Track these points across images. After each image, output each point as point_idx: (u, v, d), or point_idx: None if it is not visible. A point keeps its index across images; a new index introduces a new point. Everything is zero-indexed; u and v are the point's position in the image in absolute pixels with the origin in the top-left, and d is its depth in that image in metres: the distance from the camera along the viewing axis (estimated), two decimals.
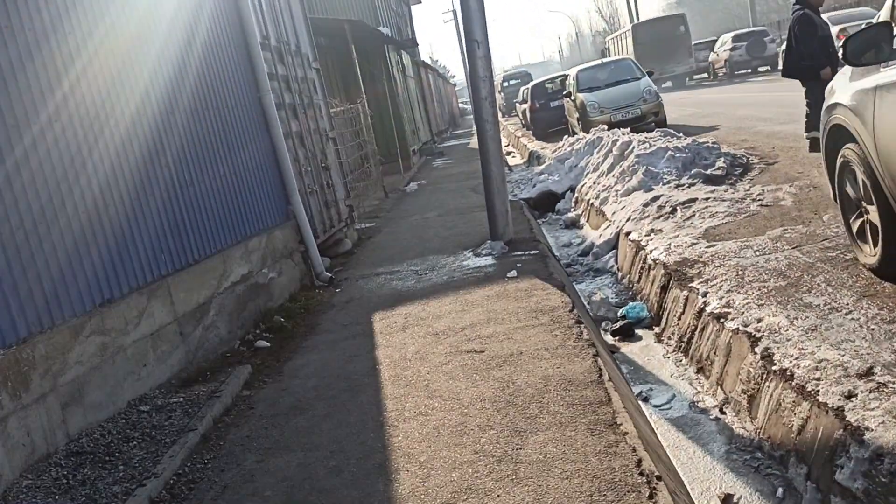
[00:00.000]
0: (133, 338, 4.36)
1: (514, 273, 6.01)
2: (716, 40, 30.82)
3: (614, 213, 7.53)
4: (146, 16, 5.12)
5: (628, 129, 10.95)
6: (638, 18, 56.70)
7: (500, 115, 44.95)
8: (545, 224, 9.64)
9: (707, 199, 6.59)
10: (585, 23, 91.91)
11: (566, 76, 19.46)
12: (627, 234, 6.63)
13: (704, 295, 4.43)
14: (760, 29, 28.57)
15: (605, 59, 14.95)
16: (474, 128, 32.02)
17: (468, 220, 9.28)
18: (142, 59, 4.94)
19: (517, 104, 28.27)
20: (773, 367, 3.33)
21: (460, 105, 62.99)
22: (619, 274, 6.54)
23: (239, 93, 6.43)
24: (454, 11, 38.62)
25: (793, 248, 4.78)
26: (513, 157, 20.13)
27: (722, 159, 7.70)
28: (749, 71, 27.66)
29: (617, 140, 9.22)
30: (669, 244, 5.73)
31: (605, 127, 11.20)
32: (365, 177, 12.75)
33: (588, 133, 13.10)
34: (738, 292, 4.23)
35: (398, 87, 18.99)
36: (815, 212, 5.53)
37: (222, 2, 6.45)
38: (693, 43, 31.38)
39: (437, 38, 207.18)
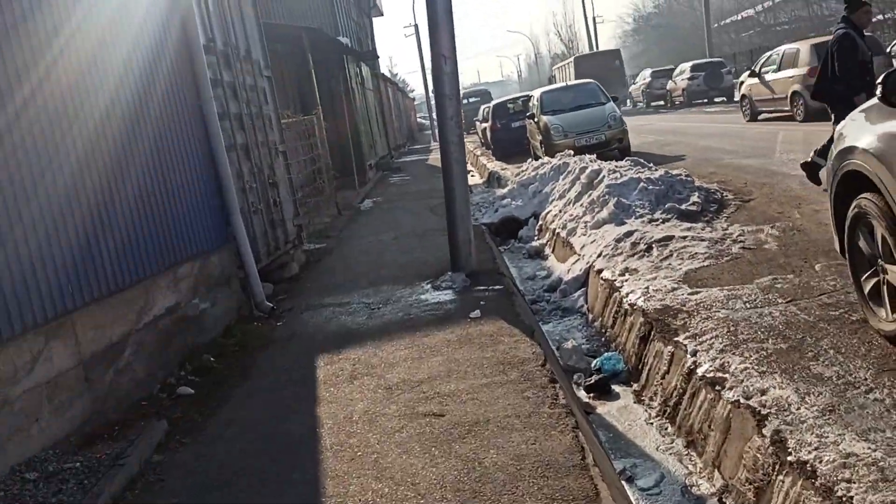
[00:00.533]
0: (24, 387, 3.62)
1: (477, 313, 5.43)
2: (673, 69, 31.10)
3: (583, 246, 7.04)
4: None
5: (594, 154, 10.55)
6: (597, 43, 57.47)
7: None
8: (507, 252, 9.12)
9: (685, 237, 6.14)
10: (544, 44, 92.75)
11: (529, 97, 19.15)
12: (599, 271, 6.13)
13: (694, 354, 3.92)
14: (718, 60, 28.91)
15: (569, 82, 14.62)
16: (432, 143, 31.60)
17: (427, 244, 8.69)
18: (46, 52, 4.22)
19: (477, 122, 27.91)
20: (789, 458, 2.81)
21: (419, 120, 62.57)
22: (590, 315, 6.03)
23: (176, 99, 5.73)
24: (416, 26, 38.22)
25: (787, 301, 4.32)
26: (472, 175, 19.65)
27: (696, 194, 7.31)
28: (705, 101, 27.91)
29: (586, 167, 8.78)
30: (647, 287, 5.24)
31: (571, 152, 10.77)
32: (317, 192, 12.07)
33: (551, 157, 12.71)
34: (734, 353, 3.73)
35: (356, 99, 18.37)
36: (804, 259, 5.11)
37: None
38: (652, 70, 31.82)
39: (397, 52, 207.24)
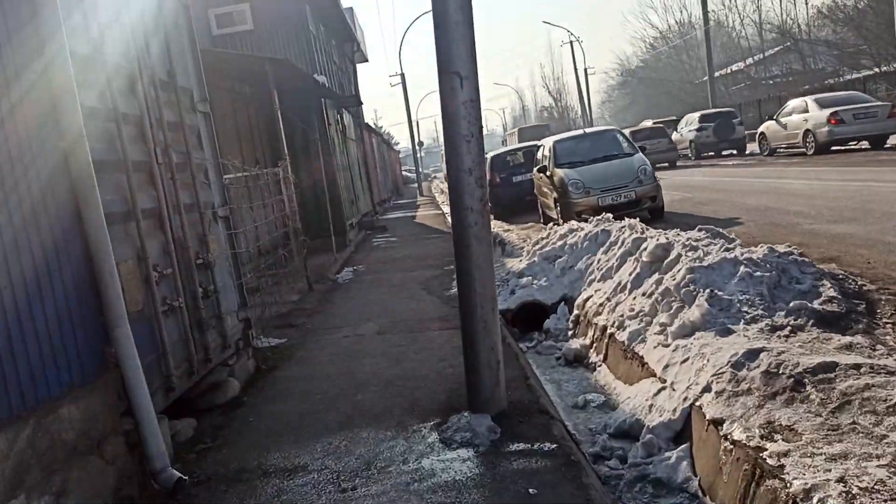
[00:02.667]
0: None
1: None
2: (677, 120, 29.37)
3: (667, 365, 4.63)
4: None
5: (634, 218, 8.26)
6: (588, 95, 56.51)
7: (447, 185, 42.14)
8: (532, 353, 6.70)
9: (856, 366, 3.75)
10: (530, 97, 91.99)
11: (534, 147, 17.05)
12: (717, 422, 3.72)
13: None
14: (729, 110, 27.16)
15: (586, 130, 12.44)
16: (419, 197, 29.13)
17: (424, 346, 6.25)
18: None
19: None
20: None
21: (404, 173, 60.79)
22: (706, 498, 3.60)
23: (18, 139, 3.35)
24: (402, 74, 36.40)
25: None
26: None
27: (825, 283, 4.96)
28: (713, 153, 26.06)
29: (643, 239, 6.44)
30: (844, 483, 2.84)
31: (611, 217, 8.46)
32: (282, 263, 9.65)
33: (569, 218, 10.43)
34: None
35: (336, 149, 16.12)
36: None
37: None
38: (654, 121, 30.24)
39: (382, 103, 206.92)
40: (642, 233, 6.81)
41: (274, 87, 9.50)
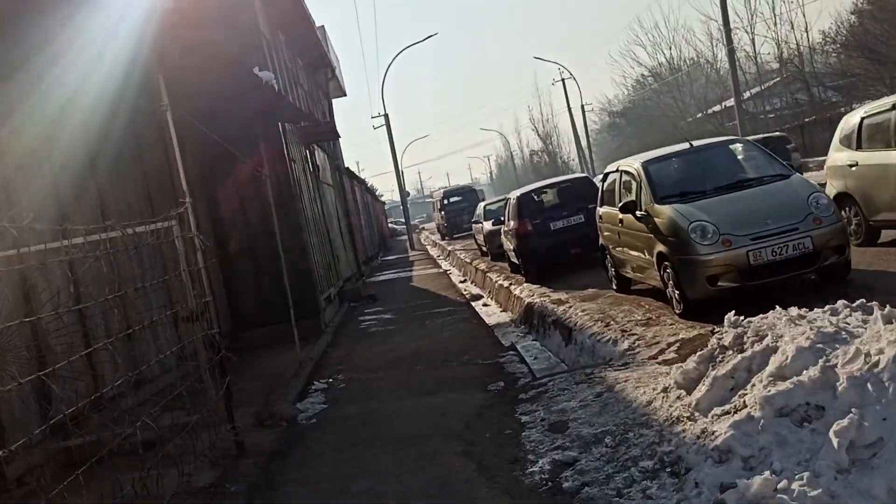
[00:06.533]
0: None
1: None
2: None
3: None
4: None
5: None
6: (587, 132, 52.95)
7: (441, 237, 38.22)
8: None
9: None
10: (514, 141, 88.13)
11: (575, 181, 12.66)
12: None
13: None
14: (781, 135, 23.02)
15: (695, 142, 7.87)
16: (410, 252, 23.54)
17: None
18: None
19: (473, 224, 21.28)
20: None
21: (390, 225, 56.32)
22: None
23: None
24: (385, 115, 32.08)
25: None
26: (487, 307, 12.65)
27: None
28: None
29: None
30: None
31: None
32: (188, 394, 4.90)
33: (690, 288, 5.91)
34: None
35: (304, 194, 11.51)
36: None
37: None
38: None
39: (363, 152, 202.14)
40: None
41: (161, 72, 4.92)
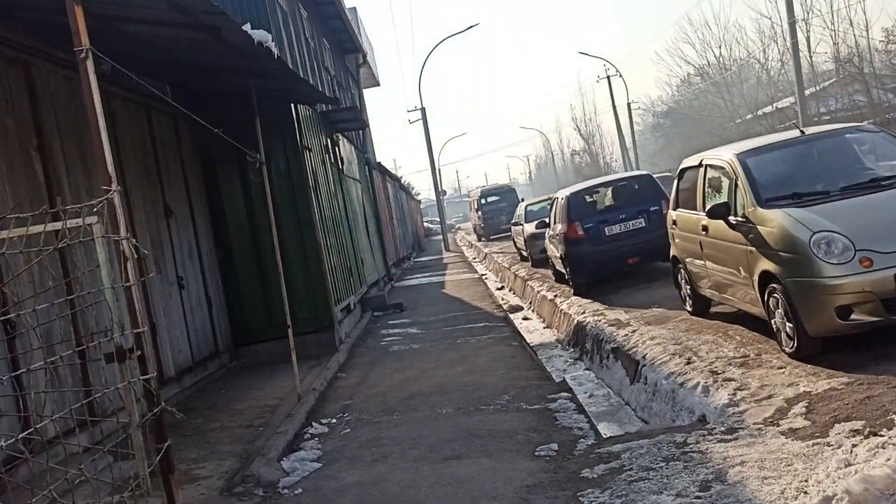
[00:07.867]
0: None
1: None
2: None
3: None
4: None
5: None
6: (633, 131, 51.05)
7: (477, 238, 36.71)
8: None
9: None
10: (555, 141, 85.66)
11: (636, 178, 11.09)
12: None
13: None
14: None
15: (807, 131, 6.16)
16: (444, 253, 21.23)
17: None
18: None
19: (513, 226, 19.61)
20: None
21: (426, 224, 54.88)
22: None
23: None
24: (422, 109, 30.54)
25: None
26: (527, 321, 11.04)
27: None
28: None
29: None
30: None
31: None
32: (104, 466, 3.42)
33: (811, 321, 4.23)
34: None
35: (321, 188, 10.04)
36: None
37: None
38: None
39: (399, 152, 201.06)
40: None
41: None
